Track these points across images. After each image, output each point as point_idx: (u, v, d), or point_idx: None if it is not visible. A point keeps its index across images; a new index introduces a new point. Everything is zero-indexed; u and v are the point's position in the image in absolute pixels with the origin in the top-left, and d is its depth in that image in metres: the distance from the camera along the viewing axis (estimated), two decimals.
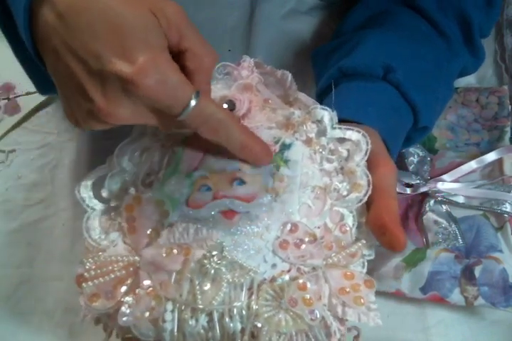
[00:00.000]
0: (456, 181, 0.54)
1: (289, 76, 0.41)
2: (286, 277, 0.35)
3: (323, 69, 0.51)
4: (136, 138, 0.40)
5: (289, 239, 0.35)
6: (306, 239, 0.35)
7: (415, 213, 0.53)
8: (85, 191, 0.40)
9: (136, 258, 0.35)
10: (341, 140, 0.39)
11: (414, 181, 0.54)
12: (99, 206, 0.40)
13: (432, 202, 0.53)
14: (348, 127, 0.39)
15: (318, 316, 0.34)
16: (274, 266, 0.35)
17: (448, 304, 0.49)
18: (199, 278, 0.33)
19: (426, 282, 0.49)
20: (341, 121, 0.40)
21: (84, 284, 0.36)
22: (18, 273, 0.57)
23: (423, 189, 0.54)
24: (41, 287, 0.56)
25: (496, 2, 0.53)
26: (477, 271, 0.49)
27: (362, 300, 0.35)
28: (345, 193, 0.38)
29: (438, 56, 0.50)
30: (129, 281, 0.35)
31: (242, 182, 0.36)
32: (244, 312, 0.33)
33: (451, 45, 0.51)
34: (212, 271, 0.33)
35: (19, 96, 0.63)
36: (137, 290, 0.34)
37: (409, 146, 0.54)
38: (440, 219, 0.52)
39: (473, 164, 0.55)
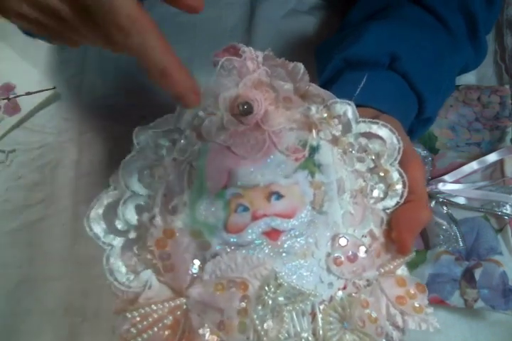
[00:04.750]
0: (457, 182, 0.54)
1: (302, 68, 0.36)
2: (343, 294, 0.33)
3: (328, 62, 0.50)
4: (140, 152, 0.35)
5: (341, 253, 0.33)
6: (359, 252, 0.33)
7: None
8: (97, 225, 0.34)
9: (183, 299, 0.31)
10: (367, 134, 0.36)
11: None
12: (117, 241, 0.34)
13: (433, 203, 0.53)
14: (372, 120, 0.36)
15: (383, 331, 0.33)
16: (330, 284, 0.33)
17: (448, 306, 0.49)
18: (257, 312, 0.31)
19: (426, 284, 0.48)
20: None
21: None
22: (18, 273, 0.57)
23: None
24: (41, 287, 0.56)
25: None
26: (477, 273, 0.49)
27: (421, 308, 0.34)
28: (382, 195, 0.36)
29: (442, 48, 0.49)
30: (180, 327, 0.31)
31: (279, 196, 0.32)
32: (310, 339, 0.31)
33: (456, 39, 0.51)
34: (270, 302, 0.31)
35: (19, 96, 0.63)
36: (194, 338, 0.30)
37: (411, 140, 0.53)
38: (441, 221, 0.51)
39: (474, 165, 0.54)
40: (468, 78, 0.62)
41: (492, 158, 0.54)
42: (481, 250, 0.50)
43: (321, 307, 0.32)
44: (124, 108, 0.62)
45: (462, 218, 0.52)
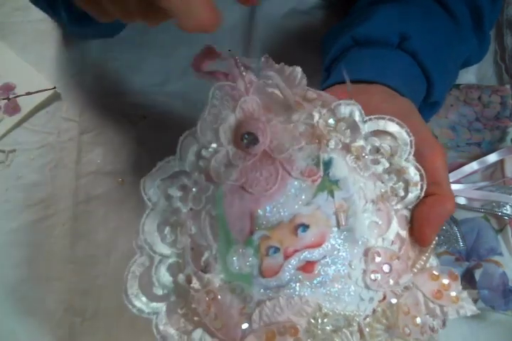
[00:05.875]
0: (457, 182, 0.54)
1: (300, 72, 0.33)
2: (384, 305, 0.33)
3: (335, 43, 0.49)
4: (154, 209, 0.34)
5: (376, 267, 0.32)
6: (392, 262, 0.33)
7: None
8: (137, 300, 0.33)
9: None
10: (376, 133, 0.34)
11: None
12: (160, 308, 0.34)
13: None
14: (378, 116, 0.34)
15: (426, 327, 0.33)
16: (371, 299, 0.32)
17: None
18: None
19: None
20: (358, 82, 0.37)
21: None
22: (18, 273, 0.57)
23: None
24: (41, 287, 0.56)
25: None
26: (477, 274, 0.49)
27: (457, 297, 0.34)
28: (402, 194, 0.34)
29: (449, 34, 0.49)
30: None
31: (305, 227, 0.31)
32: None
33: (461, 29, 0.50)
34: (320, 332, 0.31)
35: (19, 96, 0.63)
36: None
37: None
38: None
39: (474, 165, 0.54)
40: (469, 78, 0.62)
41: (492, 158, 0.54)
42: (481, 250, 0.50)
43: (366, 321, 0.32)
44: (124, 108, 0.62)
45: (462, 218, 0.52)
